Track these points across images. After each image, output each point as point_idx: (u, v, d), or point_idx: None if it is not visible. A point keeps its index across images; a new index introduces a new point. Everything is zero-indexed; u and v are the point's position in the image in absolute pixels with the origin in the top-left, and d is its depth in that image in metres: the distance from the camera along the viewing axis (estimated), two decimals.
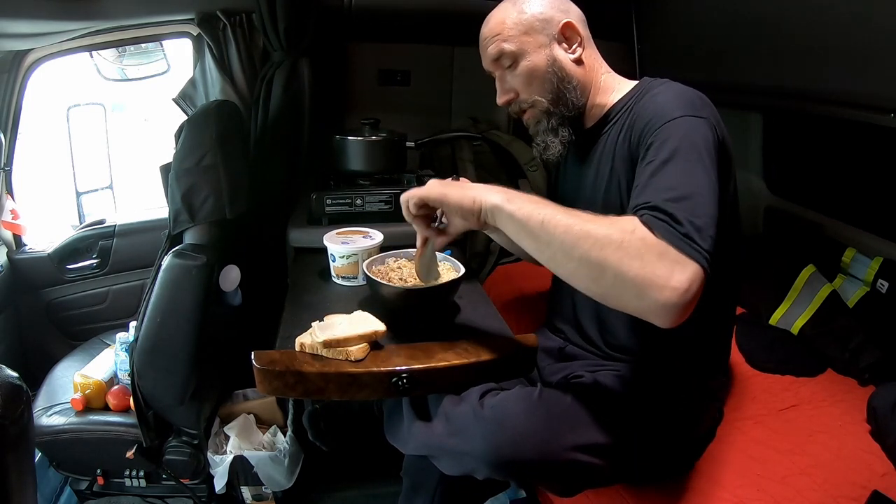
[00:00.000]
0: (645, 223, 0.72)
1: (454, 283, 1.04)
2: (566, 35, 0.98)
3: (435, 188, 0.87)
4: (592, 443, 0.84)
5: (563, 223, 0.74)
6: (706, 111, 0.85)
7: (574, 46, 0.99)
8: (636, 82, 1.01)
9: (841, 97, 1.18)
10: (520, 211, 0.78)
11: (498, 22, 0.99)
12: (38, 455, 1.43)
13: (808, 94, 1.27)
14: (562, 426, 0.84)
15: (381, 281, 1.03)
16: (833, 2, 1.11)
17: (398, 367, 0.89)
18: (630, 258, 0.69)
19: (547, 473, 0.85)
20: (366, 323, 0.95)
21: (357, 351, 0.91)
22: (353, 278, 1.19)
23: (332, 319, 0.97)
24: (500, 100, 1.04)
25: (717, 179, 0.79)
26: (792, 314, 1.41)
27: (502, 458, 0.82)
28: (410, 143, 1.61)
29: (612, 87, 1.02)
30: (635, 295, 0.69)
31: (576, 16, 1.00)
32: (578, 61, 0.99)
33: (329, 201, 1.43)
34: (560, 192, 1.15)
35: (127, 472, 1.45)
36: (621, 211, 0.85)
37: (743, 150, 1.81)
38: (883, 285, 1.34)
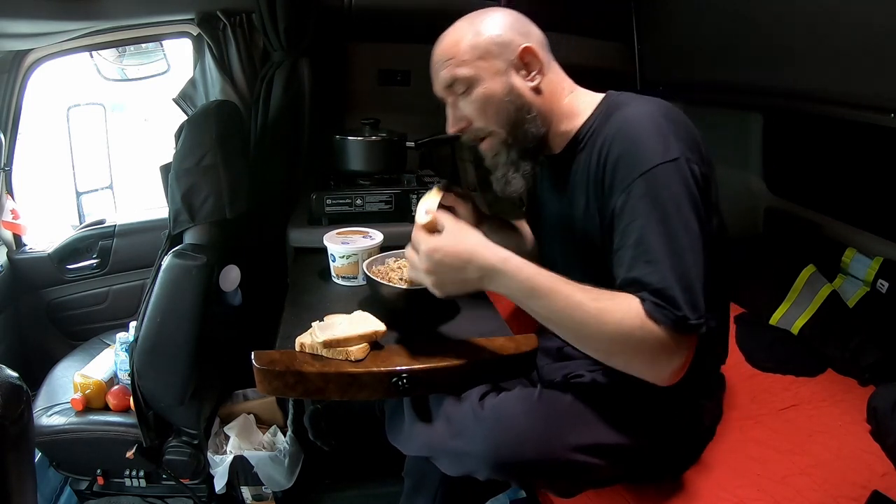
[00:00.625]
0: (647, 312, 0.76)
1: None
2: (525, 61, 0.91)
3: (433, 284, 0.85)
4: (592, 443, 0.85)
5: (568, 314, 0.79)
6: (677, 146, 0.80)
7: (533, 73, 0.92)
8: (601, 97, 0.95)
9: (841, 97, 1.18)
10: (513, 289, 0.81)
11: (452, 44, 0.92)
12: (38, 455, 1.43)
13: (808, 94, 1.27)
14: (562, 427, 0.84)
15: (381, 281, 1.03)
16: (833, 2, 1.11)
17: (398, 367, 0.89)
18: (635, 354, 0.78)
19: (547, 474, 0.86)
20: (366, 323, 0.95)
21: (357, 351, 0.91)
22: (353, 278, 1.19)
23: (332, 319, 0.97)
24: (451, 128, 0.96)
25: (699, 221, 0.79)
26: (792, 314, 1.41)
27: (503, 458, 0.83)
28: (410, 143, 1.61)
29: (577, 111, 0.95)
30: (638, 374, 0.80)
31: (536, 40, 0.93)
32: (538, 89, 0.92)
33: (329, 201, 1.43)
34: (541, 218, 1.11)
35: (127, 472, 1.45)
36: (599, 238, 0.88)
37: (743, 150, 1.81)
38: (883, 285, 1.34)
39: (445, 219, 0.87)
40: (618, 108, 0.88)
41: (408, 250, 0.88)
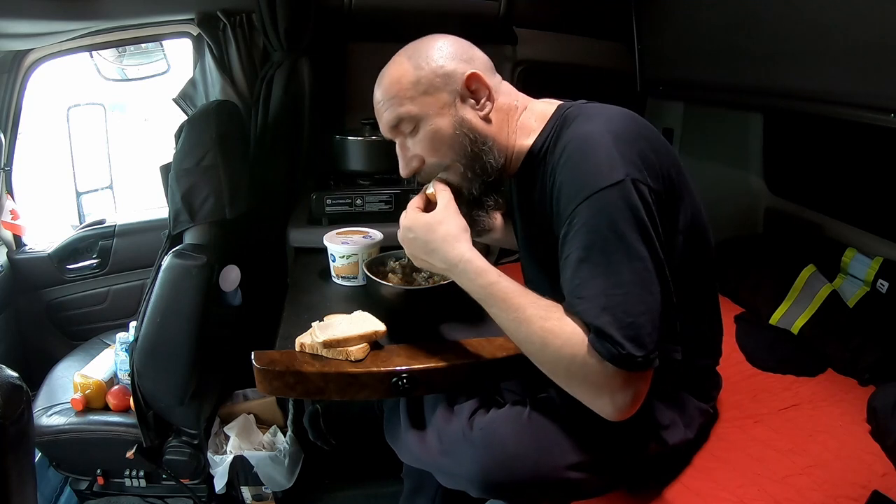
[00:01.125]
0: (590, 343, 0.73)
1: (454, 283, 1.04)
2: (472, 89, 0.86)
3: (407, 246, 0.89)
4: (584, 460, 0.84)
5: (516, 327, 0.79)
6: (622, 167, 0.75)
7: (482, 101, 0.87)
8: (552, 111, 0.90)
9: (841, 97, 1.17)
10: (470, 290, 0.84)
11: (392, 82, 0.87)
12: (38, 455, 1.43)
13: (808, 94, 1.27)
14: (552, 446, 0.83)
15: (382, 281, 1.03)
16: (833, 2, 1.11)
17: (398, 368, 0.89)
18: (577, 383, 0.76)
19: (539, 493, 0.85)
20: (366, 323, 0.95)
21: (357, 351, 0.91)
22: (353, 278, 1.19)
23: (332, 319, 0.97)
24: (404, 172, 0.92)
25: (648, 247, 0.75)
26: (792, 314, 1.41)
27: (493, 481, 0.82)
28: None
29: (530, 128, 0.90)
30: (585, 403, 0.77)
31: (481, 64, 0.88)
32: (488, 118, 0.87)
33: (329, 201, 1.43)
34: (515, 234, 1.08)
35: (127, 472, 1.45)
36: (555, 268, 0.82)
37: (743, 150, 1.81)
38: (883, 285, 1.34)
39: (441, 200, 0.87)
40: (567, 125, 0.85)
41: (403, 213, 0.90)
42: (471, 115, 0.87)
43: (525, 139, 0.90)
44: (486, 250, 1.88)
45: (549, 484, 0.83)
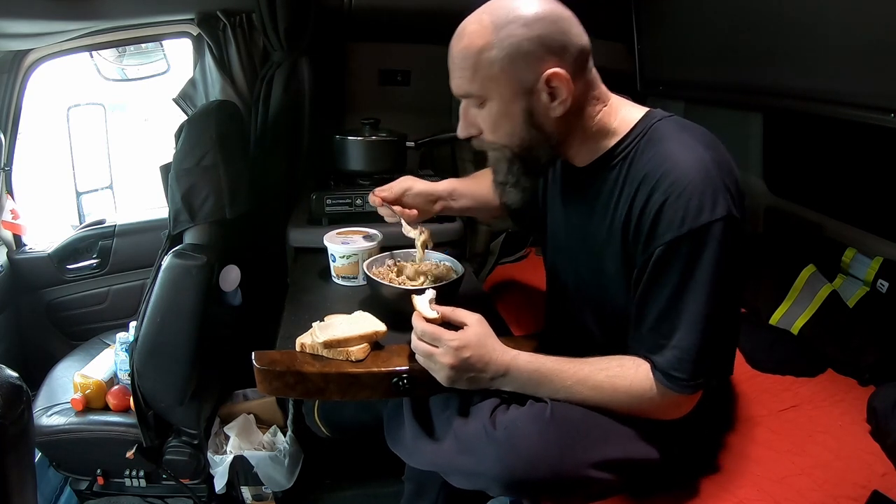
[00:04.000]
0: (657, 381, 0.81)
1: (454, 284, 1.04)
2: (551, 86, 0.80)
3: (449, 377, 0.85)
4: (605, 459, 0.84)
5: (578, 390, 0.85)
6: (724, 201, 0.75)
7: (557, 102, 0.81)
8: (640, 116, 0.86)
9: (841, 97, 1.17)
10: (524, 382, 0.86)
11: (468, 50, 0.80)
12: (38, 455, 1.43)
13: (808, 94, 1.27)
14: (575, 444, 0.83)
15: (382, 281, 1.03)
16: (833, 2, 1.11)
17: (398, 368, 0.89)
18: (649, 411, 0.85)
19: (560, 491, 0.85)
20: (366, 323, 0.95)
21: (357, 351, 0.91)
22: (354, 278, 1.19)
23: (332, 319, 0.97)
24: (461, 133, 0.89)
25: (736, 283, 0.80)
26: (792, 314, 1.40)
27: (516, 479, 0.82)
28: (410, 143, 1.61)
29: (610, 129, 0.87)
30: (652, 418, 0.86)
31: (573, 54, 0.80)
32: (561, 117, 0.83)
33: (329, 201, 1.43)
34: (547, 224, 1.06)
35: (127, 472, 1.45)
36: (615, 265, 0.87)
37: (743, 150, 1.80)
38: (883, 285, 1.34)
39: (464, 315, 0.87)
40: (661, 140, 0.81)
41: (418, 342, 0.86)
42: (541, 110, 0.82)
43: (602, 139, 0.87)
44: (486, 249, 1.88)
45: (571, 482, 0.83)
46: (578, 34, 0.82)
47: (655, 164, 0.79)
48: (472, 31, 0.81)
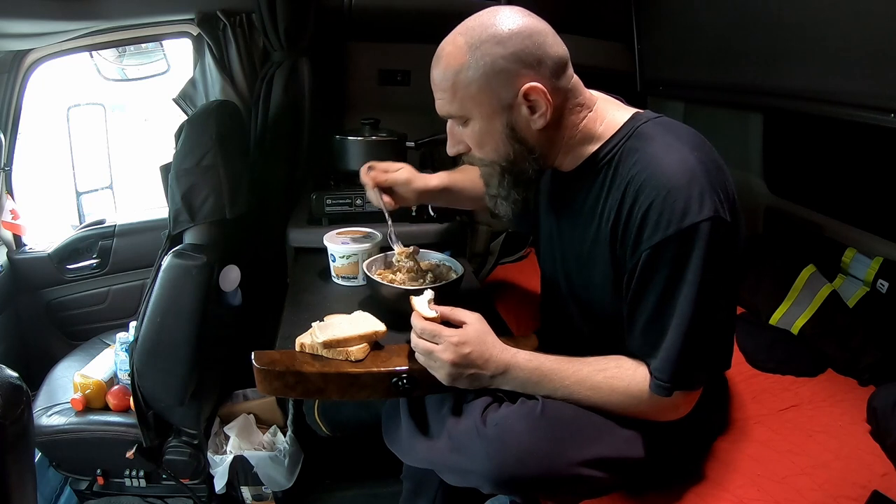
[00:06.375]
0: (655, 390, 0.82)
1: (454, 284, 1.04)
2: (530, 100, 0.80)
3: (449, 375, 0.85)
4: (597, 457, 0.84)
5: (576, 389, 0.85)
6: (710, 201, 0.75)
7: (538, 113, 0.81)
8: (626, 119, 0.86)
9: (841, 97, 1.17)
10: (524, 381, 0.87)
11: (447, 71, 0.82)
12: (38, 455, 1.43)
13: (808, 94, 1.27)
14: (566, 442, 0.83)
15: (382, 281, 1.03)
16: (833, 2, 1.11)
17: (398, 368, 0.89)
18: (647, 413, 0.86)
19: (551, 489, 0.86)
20: (366, 323, 0.95)
21: (357, 351, 0.91)
22: (353, 278, 1.19)
23: (332, 319, 0.97)
24: (451, 151, 0.91)
25: (727, 282, 0.81)
26: (792, 314, 1.40)
27: (506, 475, 0.82)
28: (410, 143, 1.61)
29: (595, 133, 0.86)
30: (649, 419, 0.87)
31: (550, 66, 0.80)
32: (543, 128, 0.83)
33: (329, 201, 1.43)
34: (539, 228, 1.06)
35: (127, 472, 1.45)
36: (603, 269, 0.88)
37: (743, 150, 1.80)
38: (883, 285, 1.34)
39: (463, 314, 0.88)
40: (646, 143, 0.81)
41: (417, 340, 0.86)
42: (523, 124, 0.83)
43: (588, 145, 0.87)
44: (486, 249, 1.88)
45: (561, 480, 0.83)
46: (553, 45, 0.82)
47: (640, 168, 0.79)
48: (448, 52, 0.82)
